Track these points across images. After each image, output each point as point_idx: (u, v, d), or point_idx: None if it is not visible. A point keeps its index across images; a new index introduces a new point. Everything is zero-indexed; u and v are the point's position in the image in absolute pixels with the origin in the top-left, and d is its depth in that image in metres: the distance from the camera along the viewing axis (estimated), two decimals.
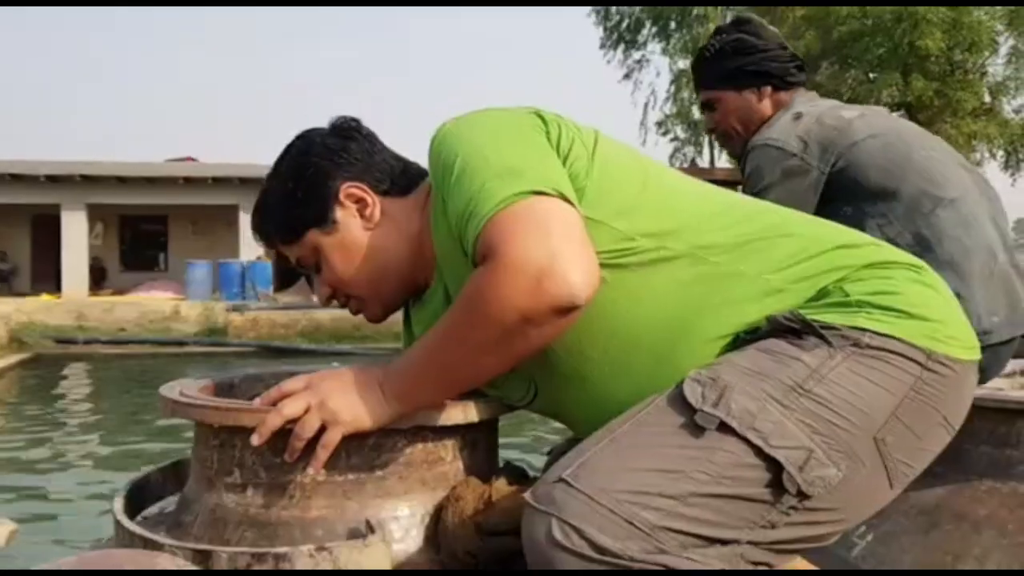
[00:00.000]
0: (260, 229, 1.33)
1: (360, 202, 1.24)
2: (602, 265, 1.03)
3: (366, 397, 1.10)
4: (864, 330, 1.03)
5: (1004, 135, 19.60)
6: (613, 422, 1.04)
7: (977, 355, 1.09)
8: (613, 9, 29.18)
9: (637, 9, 29.05)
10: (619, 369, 1.11)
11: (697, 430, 0.97)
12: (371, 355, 14.77)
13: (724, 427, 0.97)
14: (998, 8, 19.11)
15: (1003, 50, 19.48)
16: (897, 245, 1.34)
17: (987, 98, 19.78)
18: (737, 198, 1.22)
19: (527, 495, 0.99)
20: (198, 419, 1.20)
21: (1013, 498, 1.52)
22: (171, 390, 1.30)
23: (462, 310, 1.03)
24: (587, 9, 29.30)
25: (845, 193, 1.91)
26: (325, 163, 1.25)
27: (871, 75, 19.29)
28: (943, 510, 1.52)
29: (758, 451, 0.96)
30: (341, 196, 1.24)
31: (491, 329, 1.00)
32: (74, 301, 17.14)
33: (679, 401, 1.00)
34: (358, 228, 1.24)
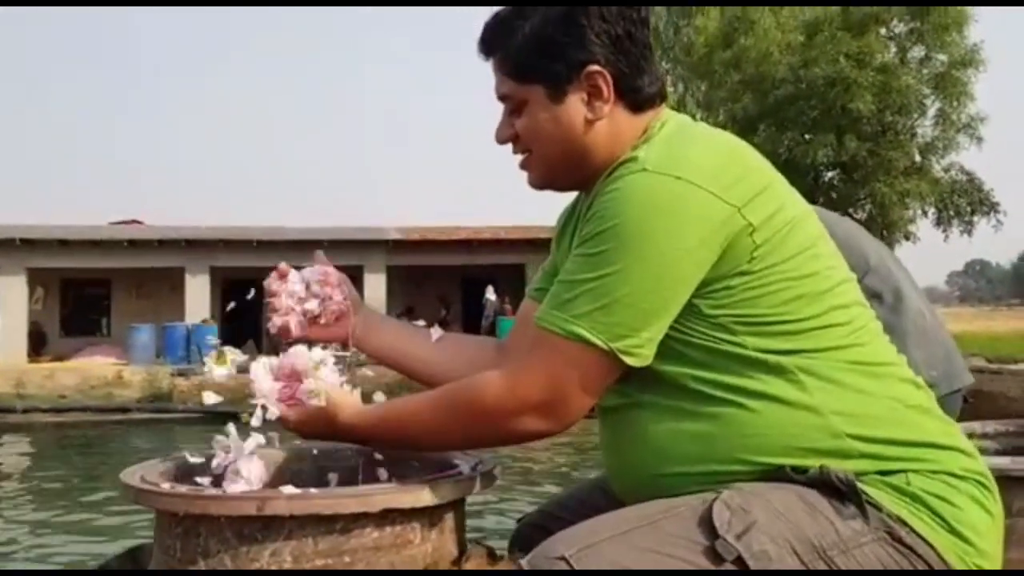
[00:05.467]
0: (489, 44, 1.23)
1: (596, 89, 1.17)
2: (708, 351, 1.10)
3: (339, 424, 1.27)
4: (905, 524, 1.03)
5: (935, 193, 20.29)
6: (633, 512, 1.05)
7: None
8: None
9: None
10: (678, 433, 1.11)
11: (713, 556, 0.98)
12: None
13: (740, 561, 0.97)
14: (925, 72, 19.93)
15: (931, 112, 20.26)
16: None
17: (917, 157, 20.50)
18: (862, 312, 1.18)
19: (523, 562, 0.99)
20: (162, 508, 1.18)
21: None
22: (132, 476, 1.28)
23: (452, 409, 1.16)
24: None
25: None
26: (590, 32, 1.16)
27: (807, 136, 19.89)
28: None
29: None
30: (583, 74, 1.17)
31: (470, 429, 1.13)
32: (12, 368, 16.61)
33: (705, 520, 1.01)
34: (578, 113, 1.18)
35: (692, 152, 1.12)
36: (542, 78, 1.18)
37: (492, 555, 1.23)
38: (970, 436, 2.07)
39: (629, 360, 1.07)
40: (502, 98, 1.24)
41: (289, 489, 1.17)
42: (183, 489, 1.22)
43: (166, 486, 1.24)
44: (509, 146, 1.26)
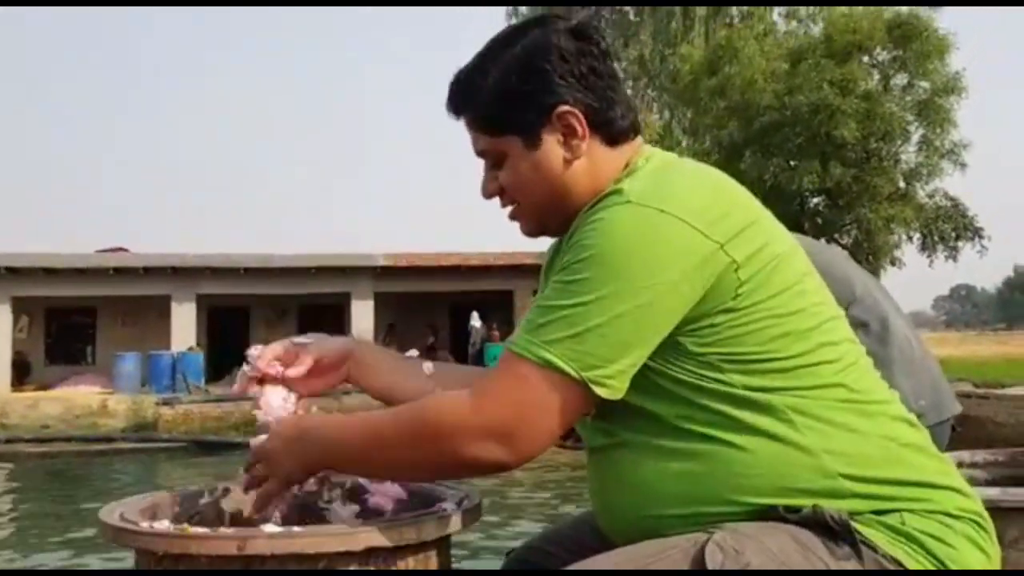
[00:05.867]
0: (458, 104, 1.23)
1: (569, 129, 1.17)
2: (695, 388, 1.08)
3: (292, 452, 1.20)
4: (900, 565, 1.02)
5: (919, 218, 20.44)
6: (623, 556, 1.04)
7: None
8: None
9: None
10: (670, 472, 1.09)
11: None
12: None
13: None
14: (908, 99, 20.15)
15: (914, 138, 20.46)
16: None
17: (902, 184, 20.66)
18: (852, 349, 1.17)
19: None
20: (142, 547, 1.16)
21: None
22: (111, 514, 1.26)
23: (413, 423, 1.11)
24: None
25: None
26: (554, 75, 1.16)
27: (792, 163, 20.03)
28: None
29: None
30: (554, 116, 1.17)
31: (428, 457, 1.11)
32: None
33: (697, 562, 0.99)
34: (557, 156, 1.18)
35: (678, 187, 1.11)
36: (516, 129, 1.18)
37: None
38: (959, 466, 2.07)
39: (600, 391, 1.05)
40: (480, 154, 1.24)
41: (270, 527, 1.16)
42: (163, 527, 1.21)
43: (145, 524, 1.21)
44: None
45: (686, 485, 1.07)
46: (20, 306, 20.03)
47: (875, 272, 20.14)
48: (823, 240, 19.30)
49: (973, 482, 1.93)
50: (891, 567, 1.01)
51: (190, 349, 18.45)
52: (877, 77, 20.47)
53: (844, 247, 21.08)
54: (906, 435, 1.13)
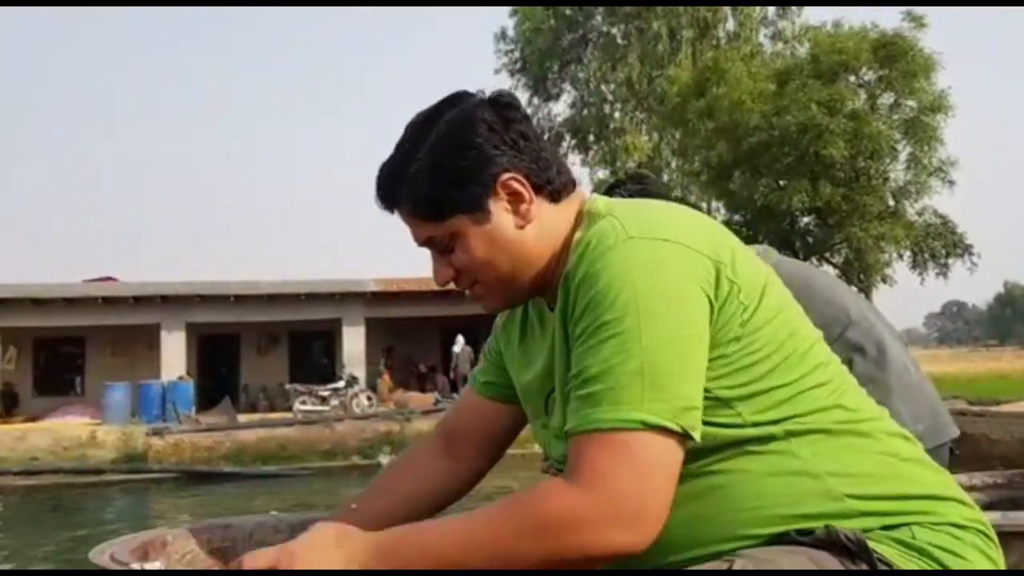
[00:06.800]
0: (390, 199, 1.19)
1: (515, 195, 1.15)
2: (704, 435, 1.02)
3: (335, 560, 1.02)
4: None
5: (910, 236, 20.58)
6: None
7: None
8: (535, 123, 30.14)
9: (558, 122, 30.16)
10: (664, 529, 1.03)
11: None
12: (297, 476, 14.33)
13: None
14: (895, 118, 20.36)
15: (902, 157, 20.64)
16: None
17: (891, 202, 20.82)
18: (852, 383, 1.16)
19: None
20: None
21: None
22: (101, 555, 1.23)
23: (519, 518, 1.00)
24: None
25: None
26: (487, 145, 1.14)
27: (781, 182, 20.17)
28: None
29: None
30: (498, 186, 1.14)
31: (544, 550, 0.98)
32: None
33: None
34: (509, 224, 1.15)
35: (664, 218, 1.10)
36: (462, 207, 1.14)
37: None
38: None
39: (696, 434, 1.00)
40: (426, 243, 1.19)
41: None
42: (156, 566, 1.17)
43: (136, 566, 1.18)
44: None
45: (698, 529, 1.05)
46: (8, 337, 19.94)
47: (866, 290, 20.24)
48: (812, 260, 19.43)
49: None
50: None
51: (180, 378, 18.36)
52: (864, 97, 20.70)
53: (835, 266, 21.20)
54: (905, 450, 1.12)
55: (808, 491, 1.04)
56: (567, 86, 30.29)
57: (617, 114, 29.20)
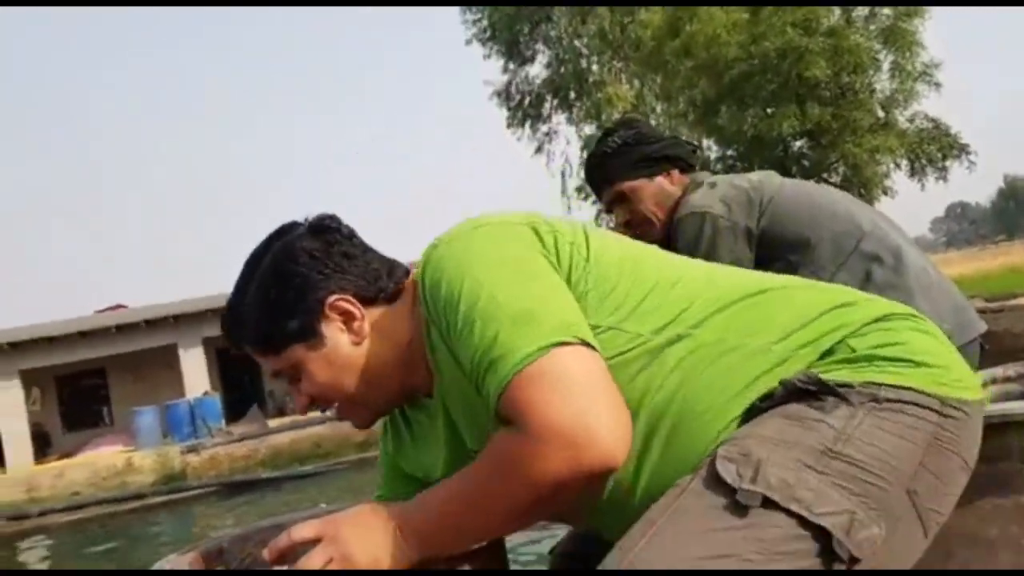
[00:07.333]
0: (232, 337, 1.25)
1: (346, 315, 1.18)
2: (611, 366, 1.04)
3: (384, 543, 1.07)
4: (879, 384, 1.02)
5: (904, 145, 20.40)
6: (650, 513, 1.00)
7: (981, 393, 1.10)
8: (513, 88, 29.99)
9: (537, 84, 29.88)
10: (634, 457, 1.07)
11: (740, 509, 0.95)
12: (336, 471, 14.45)
13: (767, 502, 0.94)
14: (872, 28, 20.13)
15: (885, 66, 20.41)
16: None
17: (880, 113, 20.62)
18: (720, 271, 1.22)
19: None
20: None
21: (1018, 511, 1.52)
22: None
23: (492, 478, 1.02)
24: (489, 91, 30.10)
25: (772, 249, 2.04)
26: (310, 273, 1.17)
27: (769, 110, 19.99)
28: (952, 536, 1.52)
29: (803, 521, 0.94)
30: (327, 309, 1.17)
31: (523, 498, 1.01)
32: (21, 473, 16.49)
33: (715, 482, 0.97)
34: (345, 343, 1.18)
35: (472, 222, 1.17)
36: (294, 337, 1.18)
37: None
38: (992, 382, 2.05)
39: (594, 343, 1.03)
40: (276, 374, 1.23)
41: None
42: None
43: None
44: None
45: (675, 449, 1.07)
46: (29, 379, 20.04)
47: (868, 204, 20.08)
48: (813, 181, 19.24)
49: (1009, 396, 1.92)
50: (874, 391, 1.02)
51: (205, 393, 18.46)
52: (838, 12, 20.41)
53: (834, 185, 21.03)
54: (794, 292, 1.16)
55: (739, 362, 1.07)
56: (540, 46, 29.92)
57: (595, 67, 28.87)
